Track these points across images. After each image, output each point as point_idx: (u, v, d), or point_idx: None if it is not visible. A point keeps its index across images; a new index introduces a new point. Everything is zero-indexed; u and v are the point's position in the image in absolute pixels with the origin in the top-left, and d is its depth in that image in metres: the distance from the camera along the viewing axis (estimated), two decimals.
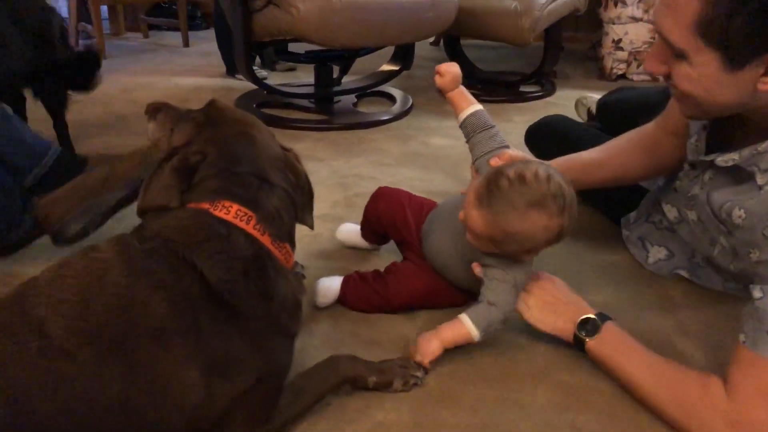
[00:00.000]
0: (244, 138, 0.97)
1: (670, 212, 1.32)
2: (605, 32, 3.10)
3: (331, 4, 2.06)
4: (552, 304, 1.10)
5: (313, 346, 1.14)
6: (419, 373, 1.04)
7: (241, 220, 0.87)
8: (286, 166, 1.00)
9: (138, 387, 0.76)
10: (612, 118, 1.84)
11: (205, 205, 0.88)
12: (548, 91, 2.90)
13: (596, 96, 2.16)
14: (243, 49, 2.28)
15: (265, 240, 0.90)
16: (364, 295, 1.23)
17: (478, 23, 2.57)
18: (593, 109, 2.13)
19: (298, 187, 1.02)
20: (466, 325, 1.06)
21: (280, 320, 0.90)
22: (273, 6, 2.12)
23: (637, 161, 1.33)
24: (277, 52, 2.98)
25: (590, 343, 1.05)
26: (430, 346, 1.05)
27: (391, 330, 1.19)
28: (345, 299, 1.24)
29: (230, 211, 0.88)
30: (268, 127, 1.05)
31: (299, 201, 1.02)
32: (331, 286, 1.24)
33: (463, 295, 1.21)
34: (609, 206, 1.59)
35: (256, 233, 0.88)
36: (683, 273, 1.36)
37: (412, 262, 1.26)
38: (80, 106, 2.62)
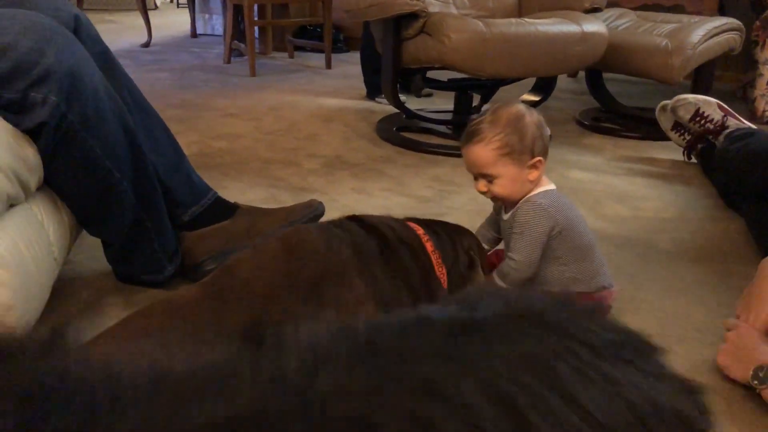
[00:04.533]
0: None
1: None
2: (760, 73, 2.96)
3: (482, 35, 2.11)
4: (741, 350, 1.10)
5: None
6: None
7: (412, 227, 1.12)
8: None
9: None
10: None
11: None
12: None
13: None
14: (391, 74, 2.38)
15: (428, 246, 1.10)
16: None
17: (625, 59, 2.54)
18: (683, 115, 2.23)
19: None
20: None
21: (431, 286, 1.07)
22: (425, 34, 2.20)
23: None
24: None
25: (765, 392, 1.04)
26: None
27: None
28: None
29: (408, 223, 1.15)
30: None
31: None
32: None
33: None
34: None
35: (423, 237, 1.10)
36: None
37: None
38: (234, 120, 2.83)
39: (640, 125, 2.77)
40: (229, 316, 0.86)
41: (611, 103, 2.96)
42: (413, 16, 2.18)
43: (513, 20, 2.25)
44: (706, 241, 1.73)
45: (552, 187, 1.32)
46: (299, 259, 0.93)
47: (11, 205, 1.02)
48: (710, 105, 2.23)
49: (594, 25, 2.31)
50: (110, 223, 1.30)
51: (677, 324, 1.34)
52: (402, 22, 2.22)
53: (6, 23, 1.04)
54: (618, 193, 2.08)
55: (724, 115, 2.18)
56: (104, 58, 1.36)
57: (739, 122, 2.15)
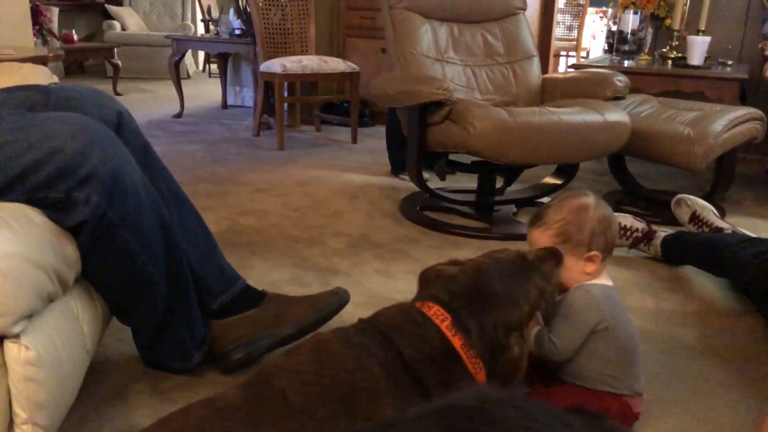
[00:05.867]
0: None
1: None
2: None
3: (506, 124, 2.16)
4: None
5: None
6: None
7: (436, 318, 1.05)
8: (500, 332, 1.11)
9: None
10: None
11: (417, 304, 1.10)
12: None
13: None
14: (416, 157, 2.44)
15: (455, 342, 1.04)
16: None
17: (648, 145, 2.57)
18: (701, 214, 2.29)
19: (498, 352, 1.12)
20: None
21: None
22: (450, 121, 2.27)
23: None
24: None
25: None
26: None
27: None
28: None
29: (431, 309, 1.08)
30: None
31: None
32: None
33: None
34: None
35: (447, 332, 1.04)
36: None
37: None
38: (263, 195, 2.90)
39: (662, 209, 2.78)
40: (267, 426, 0.88)
41: (633, 186, 2.98)
42: (439, 104, 2.25)
43: (536, 109, 2.30)
44: (731, 338, 1.71)
45: (609, 283, 1.32)
46: (330, 373, 0.95)
47: (50, 300, 1.06)
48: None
49: (616, 114, 2.35)
50: (142, 313, 1.33)
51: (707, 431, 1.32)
52: (428, 109, 2.29)
53: (56, 127, 1.11)
54: (641, 281, 2.08)
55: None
56: (143, 151, 1.42)
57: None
